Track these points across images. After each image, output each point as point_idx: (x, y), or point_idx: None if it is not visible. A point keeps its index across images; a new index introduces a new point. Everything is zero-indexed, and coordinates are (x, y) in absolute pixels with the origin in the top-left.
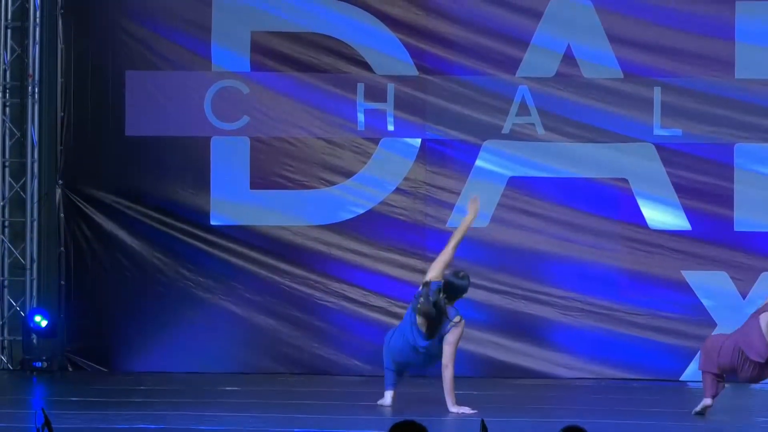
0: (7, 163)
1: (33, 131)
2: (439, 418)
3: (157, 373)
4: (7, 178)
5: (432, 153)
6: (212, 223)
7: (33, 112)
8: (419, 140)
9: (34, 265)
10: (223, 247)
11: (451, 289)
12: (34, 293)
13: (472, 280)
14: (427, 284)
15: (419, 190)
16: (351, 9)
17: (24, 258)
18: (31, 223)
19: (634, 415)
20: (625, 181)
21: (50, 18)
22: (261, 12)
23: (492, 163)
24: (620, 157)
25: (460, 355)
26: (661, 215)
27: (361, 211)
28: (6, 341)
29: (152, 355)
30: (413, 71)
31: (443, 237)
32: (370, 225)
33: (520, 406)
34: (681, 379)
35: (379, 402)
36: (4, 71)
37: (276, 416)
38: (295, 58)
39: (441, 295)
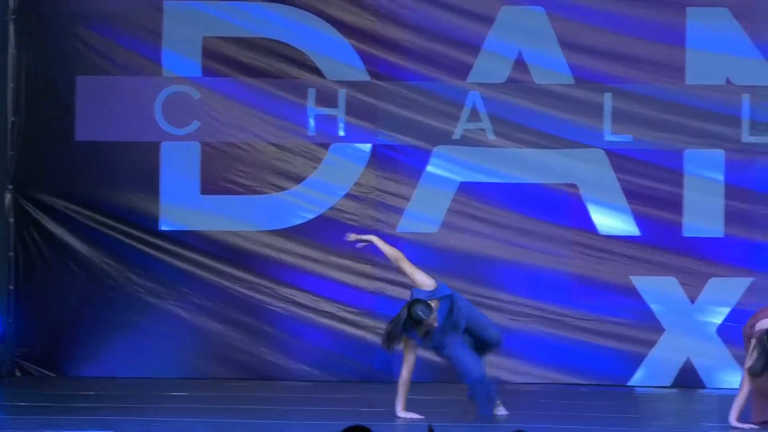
0: None
1: None
2: (388, 423)
3: (106, 378)
4: None
5: (383, 158)
6: (162, 228)
7: None
8: (370, 146)
9: None
10: (172, 252)
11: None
12: None
13: None
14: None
15: (370, 195)
16: (303, 14)
17: None
18: None
19: (582, 420)
20: (575, 186)
21: (1, 23)
22: (212, 17)
23: (442, 168)
24: (571, 163)
25: None
26: (611, 221)
27: (312, 217)
28: None
29: (101, 360)
30: (365, 77)
31: (393, 242)
32: (321, 230)
33: (469, 411)
34: (629, 384)
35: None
36: None
37: (224, 422)
38: (247, 63)
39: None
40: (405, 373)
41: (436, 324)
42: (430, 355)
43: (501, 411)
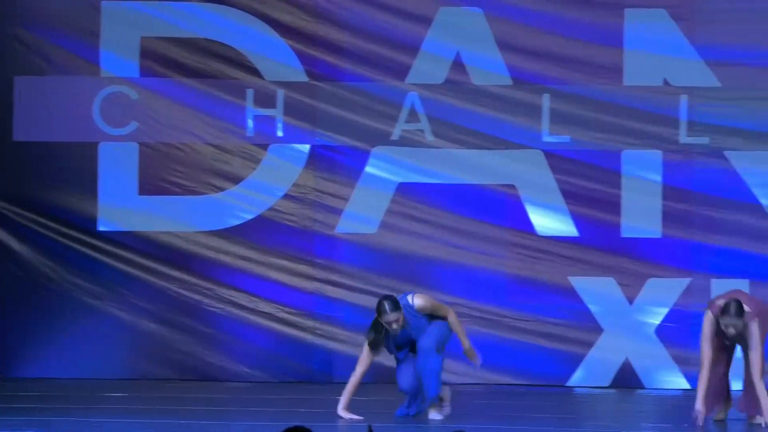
0: None
1: None
2: (328, 424)
3: (45, 379)
4: None
5: (321, 159)
6: (100, 229)
7: None
8: (308, 146)
9: None
10: (111, 253)
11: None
12: None
13: (360, 285)
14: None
15: (308, 196)
16: (241, 15)
17: None
18: None
19: (521, 420)
20: (514, 187)
21: None
22: (150, 17)
23: (381, 169)
24: (509, 164)
25: (345, 360)
26: (549, 221)
27: (250, 217)
28: None
29: (40, 361)
30: (303, 77)
31: (332, 243)
32: (259, 231)
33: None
34: (567, 384)
35: None
36: None
37: (163, 422)
38: (185, 63)
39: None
40: (358, 373)
41: (395, 326)
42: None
43: (435, 415)
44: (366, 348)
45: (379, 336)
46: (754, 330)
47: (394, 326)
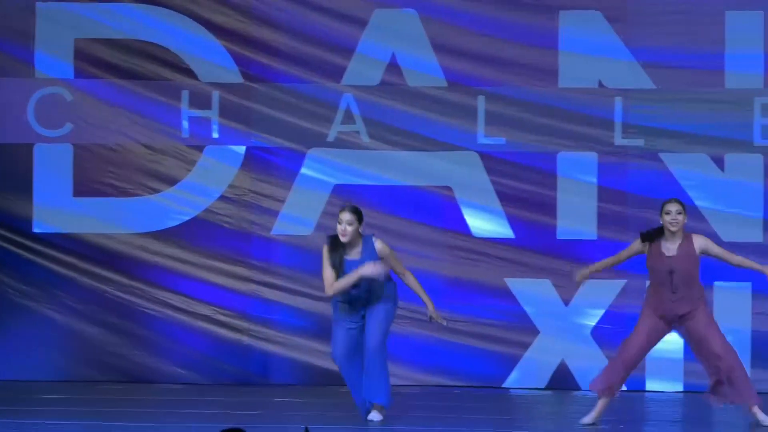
0: None
1: None
2: (264, 426)
3: None
4: None
5: (257, 160)
6: (35, 230)
7: None
8: (244, 148)
9: None
10: (45, 254)
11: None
12: None
13: (296, 287)
14: None
15: (244, 197)
16: (175, 16)
17: None
18: None
19: (457, 422)
20: (450, 189)
21: None
22: (85, 19)
23: (317, 170)
24: (444, 166)
25: (282, 363)
26: (485, 223)
27: (186, 219)
28: None
29: None
30: (238, 78)
31: (268, 244)
32: (195, 232)
33: (345, 413)
34: (503, 386)
35: None
36: None
37: (98, 424)
38: (119, 65)
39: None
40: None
41: (344, 227)
42: (303, 357)
43: (375, 416)
44: (324, 248)
45: (336, 241)
46: (708, 243)
47: (343, 227)
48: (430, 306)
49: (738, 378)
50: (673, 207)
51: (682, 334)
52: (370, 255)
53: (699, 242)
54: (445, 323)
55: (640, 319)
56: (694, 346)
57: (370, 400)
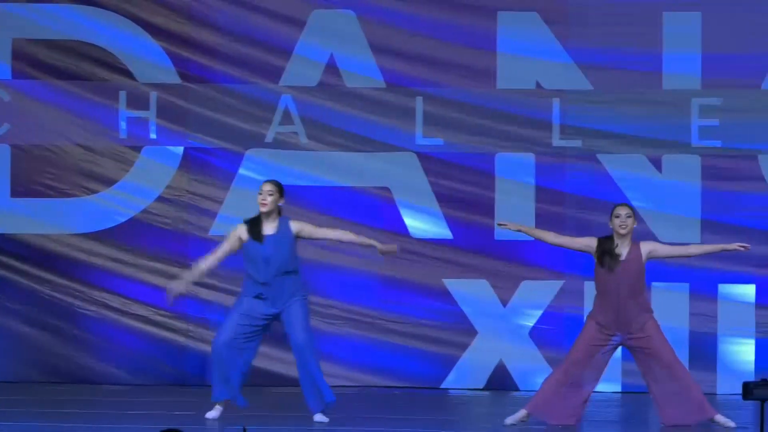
0: None
1: None
2: (201, 427)
3: None
4: None
5: (194, 161)
6: None
7: None
8: (182, 148)
9: None
10: None
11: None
12: None
13: (234, 287)
14: None
15: (182, 198)
16: (113, 17)
17: None
18: None
19: (395, 423)
20: (388, 189)
21: None
22: (22, 19)
23: (255, 171)
24: (383, 166)
25: None
26: (423, 224)
27: (123, 220)
28: None
29: None
30: (176, 79)
31: (205, 245)
32: (132, 233)
33: (283, 414)
34: (442, 386)
35: None
36: None
37: (35, 425)
38: (57, 65)
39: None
40: (218, 253)
41: (264, 197)
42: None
43: (322, 418)
44: (237, 228)
45: (255, 220)
46: (655, 246)
47: (263, 196)
48: (377, 245)
49: (694, 390)
50: (622, 210)
51: (629, 347)
52: (285, 233)
53: (645, 248)
54: (396, 251)
55: (582, 330)
56: (643, 358)
57: (315, 409)
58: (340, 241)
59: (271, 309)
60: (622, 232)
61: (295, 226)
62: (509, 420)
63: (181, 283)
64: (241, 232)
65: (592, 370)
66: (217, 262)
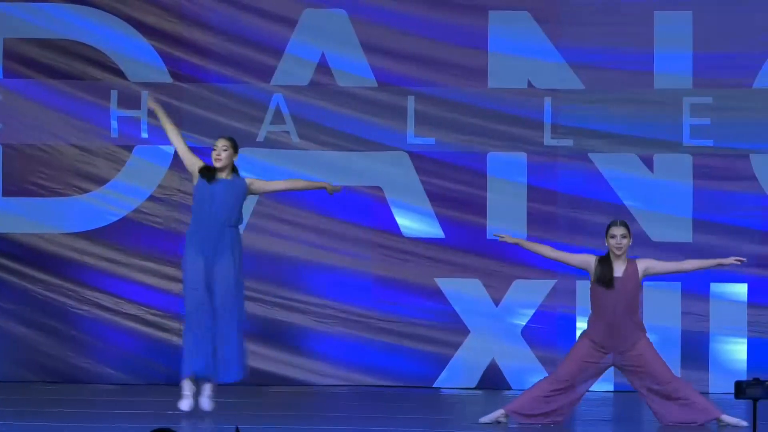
0: None
1: None
2: (194, 425)
3: None
4: None
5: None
6: None
7: None
8: (173, 148)
9: None
10: None
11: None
12: None
13: None
14: None
15: (173, 197)
16: (104, 16)
17: None
18: None
19: (388, 422)
20: (379, 189)
21: None
22: (13, 18)
23: (246, 170)
24: (374, 165)
25: None
26: (415, 223)
27: (115, 219)
28: None
29: None
30: (167, 79)
31: None
32: (124, 232)
33: (276, 413)
34: (434, 385)
35: None
36: None
37: (30, 425)
38: (48, 65)
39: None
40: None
41: (218, 153)
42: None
43: (207, 405)
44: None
45: (211, 168)
46: (651, 263)
47: (218, 152)
48: (326, 185)
49: (695, 397)
50: (618, 231)
51: (621, 366)
52: (237, 182)
53: (642, 265)
54: (340, 189)
55: (574, 346)
56: (636, 378)
57: (221, 380)
58: (294, 189)
59: (207, 265)
60: (618, 253)
61: (248, 180)
62: (485, 419)
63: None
64: (200, 165)
65: (582, 380)
66: (177, 137)
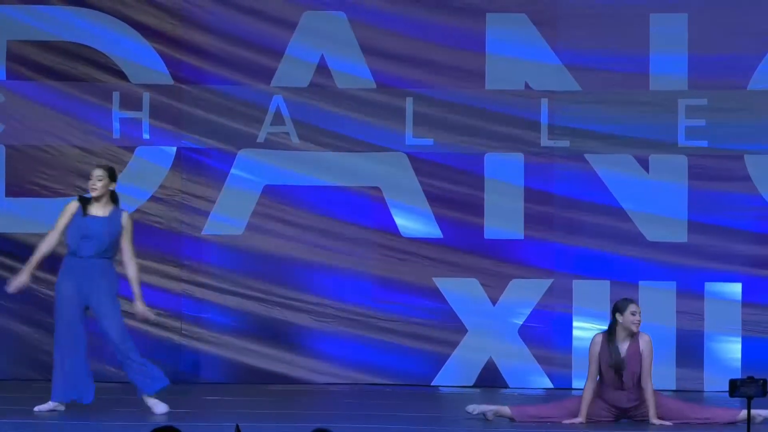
0: None
1: None
2: (194, 424)
3: None
4: None
5: (187, 161)
6: None
7: None
8: (175, 148)
9: None
10: None
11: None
12: None
13: (226, 286)
14: None
15: (175, 198)
16: (106, 18)
17: None
18: None
19: (386, 420)
20: (378, 189)
21: None
22: (16, 21)
23: (247, 171)
24: (373, 166)
25: (213, 361)
26: (413, 223)
27: None
28: None
29: None
30: (168, 80)
31: (198, 244)
32: None
33: (276, 411)
34: (432, 384)
35: None
36: None
37: (30, 423)
38: (51, 66)
39: None
40: (49, 238)
41: (94, 182)
42: (235, 356)
43: (162, 408)
44: (71, 204)
45: (88, 199)
46: (647, 351)
47: (93, 181)
48: (138, 302)
49: (714, 415)
50: (637, 309)
51: (631, 417)
52: (115, 218)
53: (644, 344)
54: (153, 318)
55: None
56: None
57: (148, 392)
58: (127, 266)
59: (80, 291)
60: (635, 329)
61: (124, 220)
62: (472, 408)
63: (23, 274)
64: (74, 206)
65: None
66: (58, 235)
